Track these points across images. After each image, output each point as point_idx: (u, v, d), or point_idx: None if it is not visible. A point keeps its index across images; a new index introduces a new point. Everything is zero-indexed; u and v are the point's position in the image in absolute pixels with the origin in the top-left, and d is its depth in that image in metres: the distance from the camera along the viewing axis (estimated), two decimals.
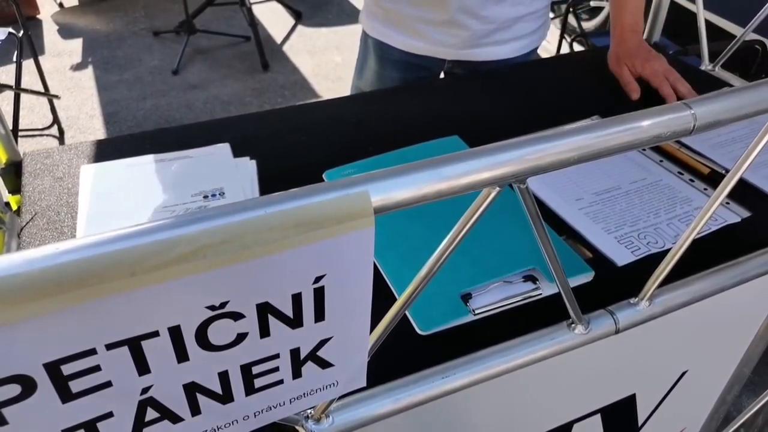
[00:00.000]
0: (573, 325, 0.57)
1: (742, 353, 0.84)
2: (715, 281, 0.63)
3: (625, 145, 0.45)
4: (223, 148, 0.83)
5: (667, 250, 0.57)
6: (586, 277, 0.64)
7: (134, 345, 0.34)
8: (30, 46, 2.27)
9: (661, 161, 0.81)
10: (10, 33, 2.18)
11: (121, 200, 0.74)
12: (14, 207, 0.78)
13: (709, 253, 0.66)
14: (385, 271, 0.64)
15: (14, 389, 0.33)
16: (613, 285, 0.63)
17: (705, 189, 0.76)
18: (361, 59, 1.11)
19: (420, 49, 1.02)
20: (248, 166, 0.80)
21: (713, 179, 0.79)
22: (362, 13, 1.07)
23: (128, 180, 0.77)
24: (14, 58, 2.17)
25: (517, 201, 0.45)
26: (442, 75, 1.11)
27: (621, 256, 0.66)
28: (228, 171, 0.79)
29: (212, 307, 0.35)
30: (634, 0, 1.01)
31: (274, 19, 3.51)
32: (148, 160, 0.81)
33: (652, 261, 0.61)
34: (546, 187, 0.77)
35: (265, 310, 0.37)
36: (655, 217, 0.71)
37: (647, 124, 0.46)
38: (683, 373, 0.77)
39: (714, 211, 0.53)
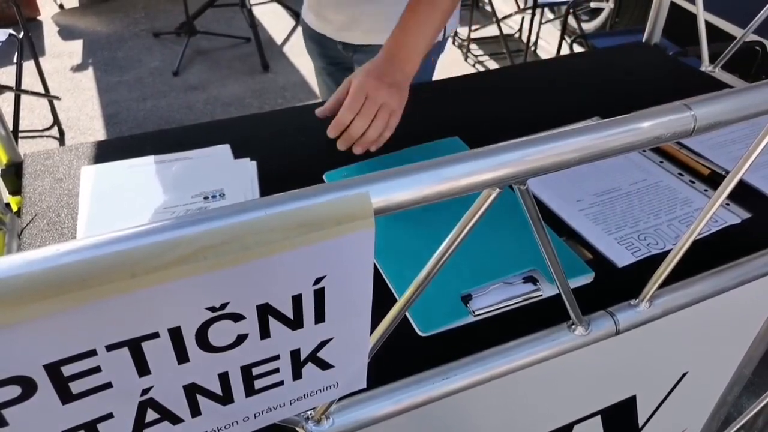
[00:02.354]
0: (573, 326, 0.57)
1: (742, 354, 0.84)
2: (715, 282, 0.63)
3: (626, 146, 0.45)
4: (224, 149, 0.83)
5: (668, 252, 0.57)
6: (587, 278, 0.64)
7: (134, 346, 0.34)
8: (30, 47, 2.28)
9: (661, 162, 0.81)
10: (10, 34, 2.18)
11: (121, 201, 0.74)
12: (15, 208, 0.78)
13: (709, 254, 0.66)
14: (385, 273, 0.64)
15: (14, 390, 0.32)
16: (614, 286, 0.63)
17: (705, 190, 0.76)
18: None
19: (314, 25, 1.14)
20: (248, 167, 0.80)
21: (713, 180, 0.78)
22: None
23: (129, 181, 0.77)
24: (15, 60, 2.18)
25: (517, 202, 0.45)
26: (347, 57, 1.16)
27: (621, 258, 0.66)
28: (228, 172, 0.79)
29: (212, 309, 0.35)
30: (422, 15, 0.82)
31: (274, 21, 3.51)
32: (148, 161, 0.81)
33: (653, 262, 0.61)
34: (546, 188, 0.77)
35: (265, 311, 0.37)
36: (655, 218, 0.71)
37: (647, 125, 0.46)
38: (684, 375, 0.77)
39: (714, 212, 0.53)
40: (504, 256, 0.65)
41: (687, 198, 0.75)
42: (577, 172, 0.78)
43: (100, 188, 0.76)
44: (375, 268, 0.41)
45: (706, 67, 1.09)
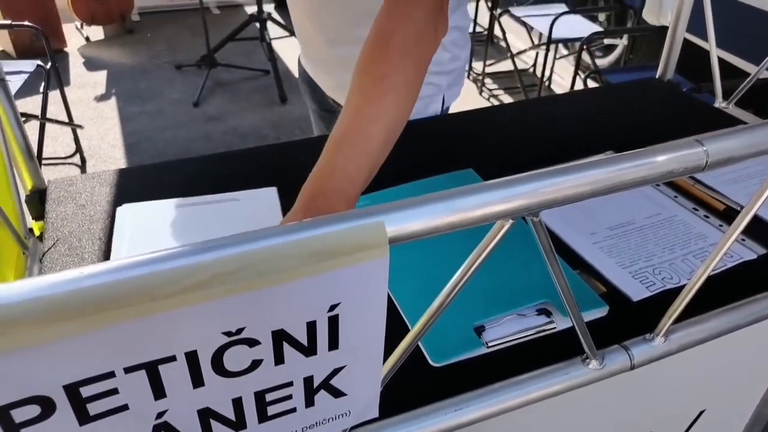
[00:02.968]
0: (587, 360, 0.56)
1: (762, 393, 0.82)
2: (731, 318, 0.62)
3: (638, 180, 0.46)
4: (270, 192, 0.82)
5: (683, 286, 0.57)
6: (601, 311, 0.64)
7: (152, 369, 0.35)
8: (57, 77, 2.35)
9: (675, 197, 0.82)
10: (38, 65, 2.26)
11: (159, 243, 0.73)
12: (37, 233, 0.80)
13: (725, 289, 0.66)
14: (398, 301, 0.64)
15: (34, 410, 0.33)
16: (628, 320, 0.62)
17: (720, 225, 0.76)
18: None
19: (312, 74, 1.11)
20: (272, 195, 0.81)
21: (728, 216, 0.78)
22: None
23: (169, 222, 0.77)
24: (41, 89, 2.24)
25: (530, 233, 0.45)
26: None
27: (636, 291, 0.66)
28: (275, 216, 0.77)
29: (228, 333, 0.36)
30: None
31: (292, 54, 3.59)
32: (191, 201, 0.80)
33: (668, 297, 0.60)
34: (560, 220, 0.77)
35: (280, 337, 0.37)
36: (670, 252, 0.71)
37: (660, 160, 0.46)
38: (701, 413, 0.75)
39: (729, 247, 0.53)
40: (517, 287, 0.65)
41: (702, 233, 0.74)
42: (591, 206, 0.79)
43: (138, 227, 0.75)
44: (388, 296, 0.41)
45: (719, 103, 1.09)
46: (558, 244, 0.74)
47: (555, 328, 0.62)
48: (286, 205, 0.80)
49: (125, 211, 0.78)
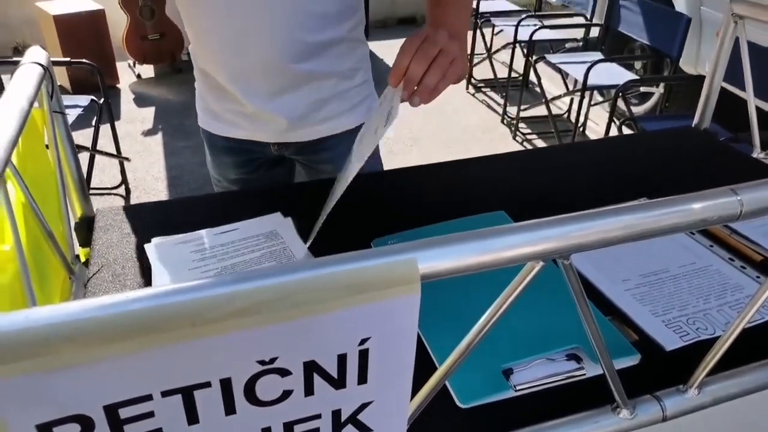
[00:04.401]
0: (618, 409, 0.55)
1: None
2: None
3: (671, 227, 0.46)
4: (277, 217, 0.87)
5: (718, 338, 0.56)
6: (633, 359, 0.63)
7: (187, 394, 0.36)
8: (108, 112, 2.47)
9: (711, 246, 0.80)
10: (92, 100, 2.38)
11: (190, 272, 0.76)
12: (83, 259, 0.84)
13: (761, 343, 0.64)
14: (426, 339, 0.65)
15: (73, 428, 0.35)
16: (661, 370, 0.61)
17: (757, 277, 0.75)
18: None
19: (240, 134, 1.02)
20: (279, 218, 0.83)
21: (766, 267, 0.77)
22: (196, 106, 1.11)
23: (215, 253, 0.80)
24: (93, 123, 2.36)
25: (561, 276, 0.46)
26: (274, 152, 1.06)
27: (669, 341, 0.65)
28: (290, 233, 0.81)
29: (262, 362, 0.37)
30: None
31: None
32: (236, 236, 0.83)
33: (702, 347, 0.59)
34: (592, 266, 0.76)
35: (311, 368, 0.39)
36: (704, 302, 0.70)
37: (693, 208, 0.47)
38: None
39: (766, 299, 0.52)
40: (547, 330, 0.65)
41: (738, 284, 0.73)
42: (624, 252, 0.78)
43: (173, 257, 0.78)
44: (417, 333, 0.42)
45: (757, 153, 1.08)
46: (590, 290, 0.73)
47: (585, 374, 0.61)
48: (314, 239, 0.82)
49: (154, 246, 0.81)
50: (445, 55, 0.70)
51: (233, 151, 1.05)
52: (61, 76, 3.31)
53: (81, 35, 3.29)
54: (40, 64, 0.75)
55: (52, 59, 0.80)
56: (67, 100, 2.38)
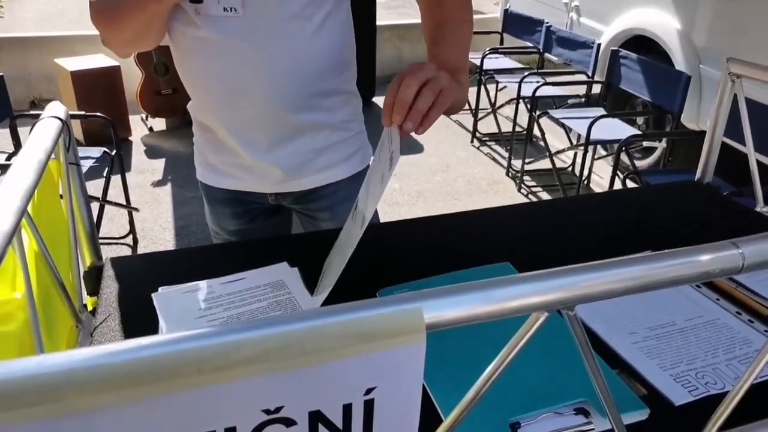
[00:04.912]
0: None
1: None
2: None
3: (674, 279, 0.47)
4: (284, 266, 0.88)
5: (727, 392, 0.55)
6: (641, 414, 0.62)
7: None
8: (120, 164, 2.52)
9: (717, 299, 0.80)
10: (104, 152, 2.43)
11: (198, 320, 0.76)
12: (90, 307, 0.84)
13: None
14: (431, 390, 0.64)
15: None
16: (670, 425, 0.60)
17: (765, 331, 0.74)
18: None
19: (238, 186, 1.04)
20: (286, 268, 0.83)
21: None
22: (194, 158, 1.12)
23: (221, 303, 0.80)
24: (105, 174, 2.40)
25: (569, 328, 0.46)
26: (270, 201, 1.08)
27: (678, 395, 0.64)
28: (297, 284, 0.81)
29: (267, 411, 0.37)
30: (454, 38, 0.88)
31: None
32: (242, 285, 0.83)
33: (711, 402, 0.58)
34: (600, 319, 0.76)
35: (316, 418, 0.38)
36: (713, 356, 0.69)
37: (696, 260, 0.47)
38: None
39: None
40: (555, 383, 0.64)
41: (746, 338, 0.72)
42: (631, 305, 0.78)
43: (179, 306, 0.79)
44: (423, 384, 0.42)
45: (761, 207, 1.09)
46: (597, 343, 0.73)
47: (593, 429, 0.60)
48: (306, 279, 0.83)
49: (161, 295, 0.81)
50: (435, 81, 0.70)
51: (232, 202, 1.07)
52: (75, 129, 3.39)
53: (96, 90, 3.40)
54: (59, 118, 0.78)
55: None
56: (81, 151, 2.42)
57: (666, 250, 0.47)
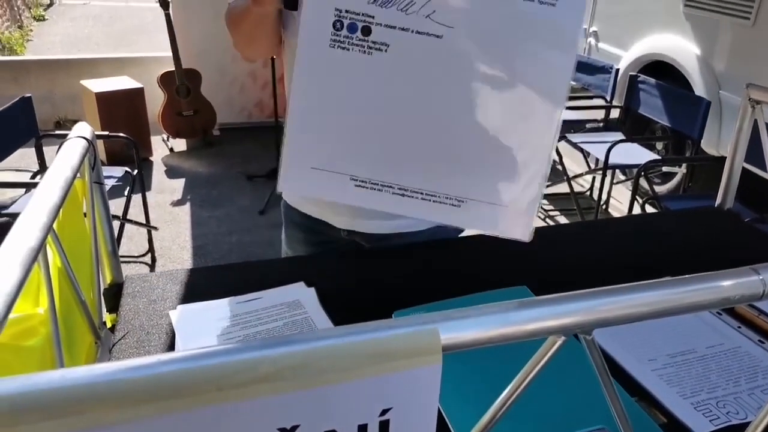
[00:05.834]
0: None
1: None
2: None
3: (693, 305, 0.46)
4: (300, 286, 0.88)
5: (749, 422, 0.54)
6: None
7: None
8: (140, 183, 2.57)
9: (739, 327, 0.79)
10: (126, 171, 2.48)
11: (214, 337, 0.77)
12: (109, 324, 0.85)
13: None
14: (446, 413, 0.63)
15: None
16: None
17: None
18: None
19: (314, 212, 1.04)
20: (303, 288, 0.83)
21: None
22: None
23: (238, 321, 0.81)
24: (125, 193, 2.45)
25: (587, 354, 0.45)
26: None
27: (698, 425, 0.62)
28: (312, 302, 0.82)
29: (283, 430, 0.37)
30: None
31: None
32: (259, 304, 0.84)
33: None
34: (619, 346, 0.75)
35: None
36: (734, 385, 0.68)
37: (716, 286, 0.47)
38: None
39: None
40: (572, 409, 0.63)
41: None
42: (651, 331, 0.77)
43: (196, 324, 0.80)
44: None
45: None
46: (616, 370, 0.72)
47: None
48: (337, 309, 0.83)
49: (178, 313, 0.82)
50: None
51: (307, 228, 1.07)
52: (98, 148, 3.47)
53: (119, 111, 3.47)
54: (85, 138, 0.80)
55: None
56: (103, 171, 2.48)
57: (684, 276, 0.47)
